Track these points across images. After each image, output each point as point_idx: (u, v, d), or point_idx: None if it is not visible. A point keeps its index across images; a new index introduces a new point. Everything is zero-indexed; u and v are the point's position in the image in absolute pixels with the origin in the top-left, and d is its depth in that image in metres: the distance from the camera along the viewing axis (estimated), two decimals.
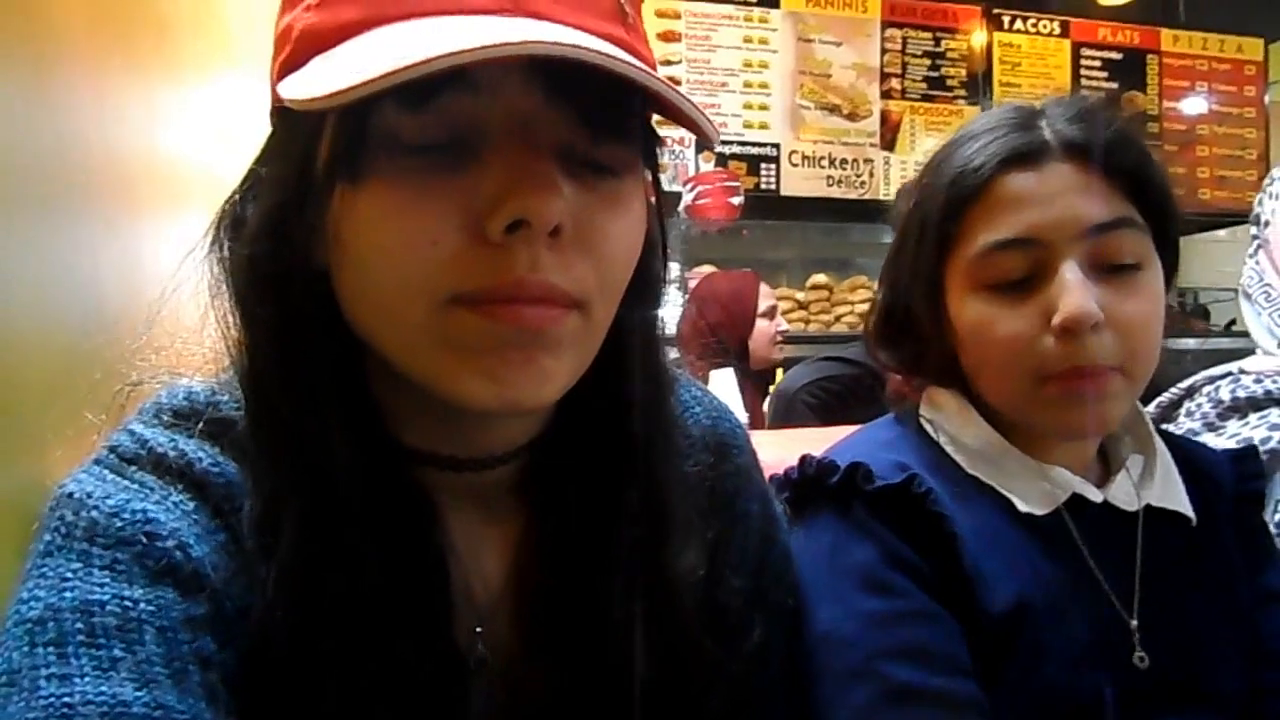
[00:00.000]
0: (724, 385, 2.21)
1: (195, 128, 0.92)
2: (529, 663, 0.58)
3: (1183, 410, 1.12)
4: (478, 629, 0.57)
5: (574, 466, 0.58)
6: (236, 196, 0.54)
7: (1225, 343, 3.46)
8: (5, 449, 0.54)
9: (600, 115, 0.48)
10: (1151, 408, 1.13)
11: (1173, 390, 1.14)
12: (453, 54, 0.41)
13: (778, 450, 1.08)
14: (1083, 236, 0.73)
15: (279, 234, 0.50)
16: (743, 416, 2.19)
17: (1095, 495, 0.78)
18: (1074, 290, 0.71)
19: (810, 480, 0.79)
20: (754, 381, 2.40)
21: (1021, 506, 0.76)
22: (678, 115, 0.49)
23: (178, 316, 0.56)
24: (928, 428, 0.83)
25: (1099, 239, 0.73)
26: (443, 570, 0.54)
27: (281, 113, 0.51)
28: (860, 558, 0.74)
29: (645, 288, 0.57)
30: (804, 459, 0.80)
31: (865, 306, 3.49)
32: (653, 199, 0.56)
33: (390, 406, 0.54)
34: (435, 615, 0.53)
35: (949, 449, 0.81)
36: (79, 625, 0.45)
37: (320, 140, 0.49)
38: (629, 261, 0.53)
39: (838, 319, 3.56)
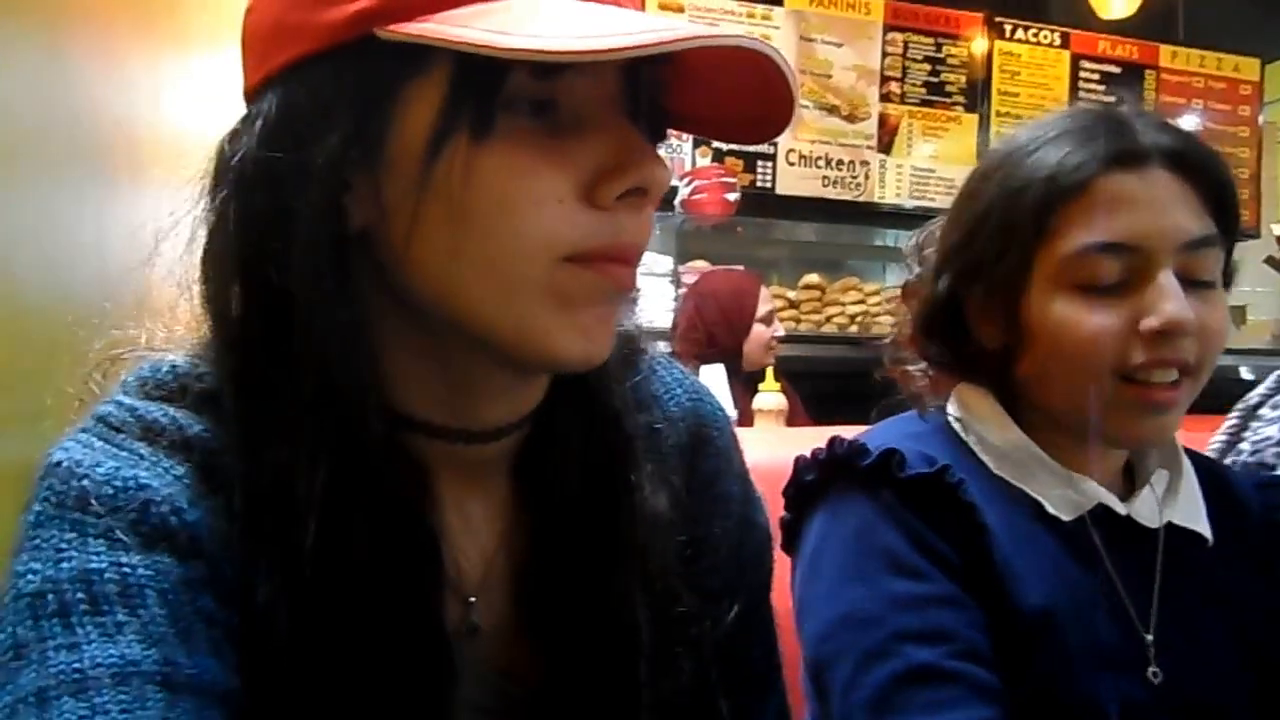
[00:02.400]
0: (714, 381, 2.22)
1: (204, 99, 0.91)
2: (520, 634, 0.58)
3: (1267, 405, 1.09)
4: (471, 599, 0.58)
5: (562, 441, 0.59)
6: (228, 147, 0.51)
7: None
8: (13, 413, 0.54)
9: (650, 97, 0.53)
10: (1234, 414, 1.11)
11: (1260, 391, 1.12)
12: (706, 37, 0.46)
13: (768, 448, 1.09)
14: (1180, 249, 0.73)
15: (336, 198, 0.49)
16: (731, 413, 2.21)
17: (1120, 508, 0.78)
18: (1174, 297, 0.71)
19: (840, 461, 0.79)
20: (743, 381, 2.40)
21: (1049, 508, 0.77)
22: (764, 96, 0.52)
23: (158, 290, 0.56)
24: (956, 426, 0.83)
25: (1191, 253, 0.73)
26: (434, 541, 0.54)
27: (343, 57, 0.48)
28: (888, 540, 0.74)
29: None
30: (834, 440, 0.80)
31: (857, 308, 3.53)
32: None
33: (400, 377, 0.54)
34: (428, 586, 0.54)
35: (977, 449, 0.81)
36: (80, 595, 0.45)
37: (406, 100, 0.48)
38: None
39: (828, 319, 3.57)
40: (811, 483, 0.81)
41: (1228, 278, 0.79)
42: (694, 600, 0.62)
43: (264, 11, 0.52)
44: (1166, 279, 0.72)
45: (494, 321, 0.50)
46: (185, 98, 0.89)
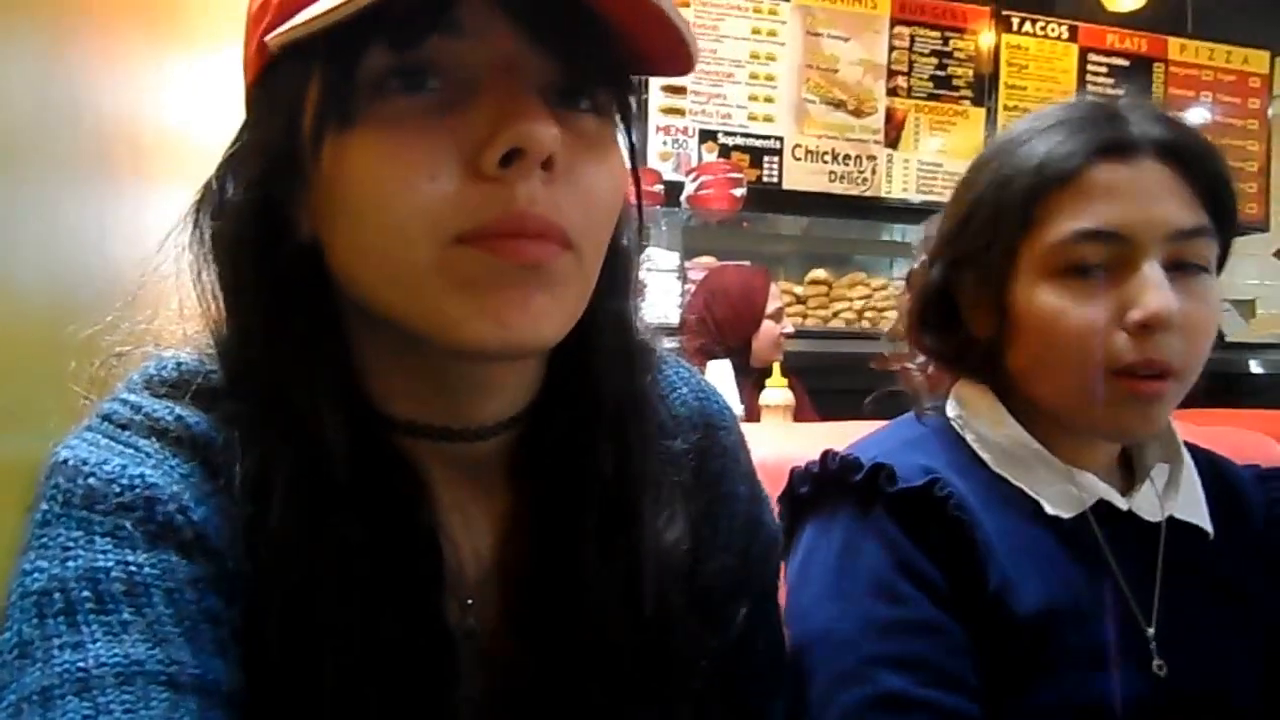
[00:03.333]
0: (721, 376, 2.22)
1: (206, 97, 0.91)
2: (517, 636, 0.58)
3: None
4: (469, 601, 0.57)
5: (558, 439, 0.58)
6: (214, 179, 0.54)
7: (1219, 354, 3.46)
8: (9, 416, 0.54)
9: (583, 54, 0.49)
10: None
11: None
12: None
13: (775, 445, 1.08)
14: (1168, 239, 0.73)
15: (264, 204, 0.50)
16: (738, 409, 2.20)
17: (1121, 503, 0.78)
18: (1158, 289, 0.71)
19: (831, 476, 0.79)
20: (751, 377, 2.40)
21: (1049, 509, 0.76)
22: (657, 34, 0.49)
23: (162, 288, 0.56)
24: (955, 425, 0.83)
25: (1180, 244, 0.73)
26: (433, 542, 0.54)
27: (261, 84, 0.51)
28: (871, 561, 0.74)
29: (617, 251, 0.57)
30: (826, 454, 0.80)
31: (864, 303, 3.52)
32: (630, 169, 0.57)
33: (380, 378, 0.54)
34: (425, 587, 0.54)
35: (976, 447, 0.81)
36: (86, 593, 0.45)
37: (305, 99, 0.49)
38: (612, 205, 0.53)
39: (835, 314, 3.56)
40: (804, 494, 0.81)
41: (1221, 269, 0.79)
42: (694, 616, 0.61)
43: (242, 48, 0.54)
44: (1151, 269, 0.72)
45: (405, 314, 0.50)
46: (188, 96, 0.89)
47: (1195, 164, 0.74)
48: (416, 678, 0.52)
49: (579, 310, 0.53)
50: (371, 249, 0.49)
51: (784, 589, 0.81)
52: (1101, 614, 0.74)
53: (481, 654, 0.57)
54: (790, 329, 2.57)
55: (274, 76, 0.50)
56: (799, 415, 2.30)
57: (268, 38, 0.48)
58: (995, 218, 0.78)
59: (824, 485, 0.79)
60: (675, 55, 0.51)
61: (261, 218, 0.50)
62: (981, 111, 3.93)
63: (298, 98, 0.49)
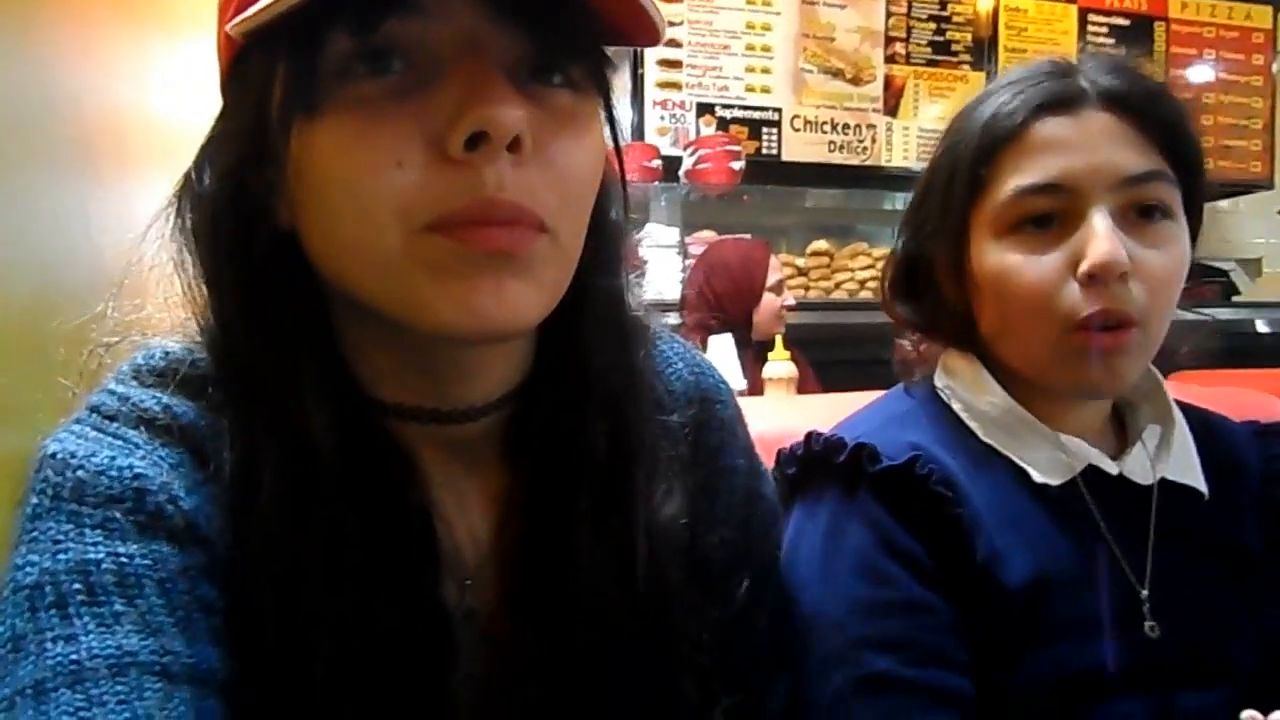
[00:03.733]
0: (722, 351, 2.21)
1: (189, 82, 0.90)
2: (515, 616, 0.58)
3: None
4: (467, 582, 0.57)
5: (550, 417, 0.58)
6: (191, 170, 0.53)
7: (1226, 313, 3.45)
8: (5, 407, 0.53)
9: (549, 29, 0.48)
10: None
11: None
12: None
13: (778, 418, 1.08)
14: (1116, 186, 0.72)
15: (239, 192, 0.50)
16: (740, 384, 2.20)
17: (1111, 467, 0.78)
18: (1104, 238, 0.71)
19: (815, 457, 0.79)
20: (753, 350, 2.39)
21: (1037, 477, 0.76)
22: (618, 4, 0.48)
23: (149, 278, 0.56)
24: (943, 395, 0.83)
25: (1131, 190, 0.73)
26: (427, 524, 0.54)
27: (232, 73, 0.51)
28: (856, 542, 0.74)
29: (604, 225, 0.57)
30: (810, 435, 0.80)
31: (866, 274, 3.50)
32: (612, 137, 0.56)
33: (366, 362, 0.54)
34: (420, 569, 0.54)
35: (964, 416, 0.80)
36: (77, 585, 0.45)
37: (273, 87, 0.48)
38: (589, 182, 0.52)
39: (838, 285, 3.55)
40: (791, 476, 0.81)
41: (1196, 220, 0.79)
42: (694, 589, 0.61)
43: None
44: (1100, 218, 0.72)
45: (380, 300, 0.49)
46: (170, 83, 0.88)
47: (1146, 109, 0.74)
48: (414, 660, 0.52)
49: (559, 291, 0.52)
50: (343, 236, 0.49)
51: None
52: (1093, 580, 0.74)
53: (482, 634, 0.57)
54: (791, 301, 2.56)
55: (243, 65, 0.49)
56: (802, 388, 2.29)
57: (227, 27, 0.48)
58: (949, 182, 0.79)
59: (809, 467, 0.80)
60: (640, 25, 0.50)
61: (236, 206, 0.50)
62: (981, 76, 3.89)
63: (266, 86, 0.48)
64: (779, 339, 2.26)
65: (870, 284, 3.53)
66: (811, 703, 0.70)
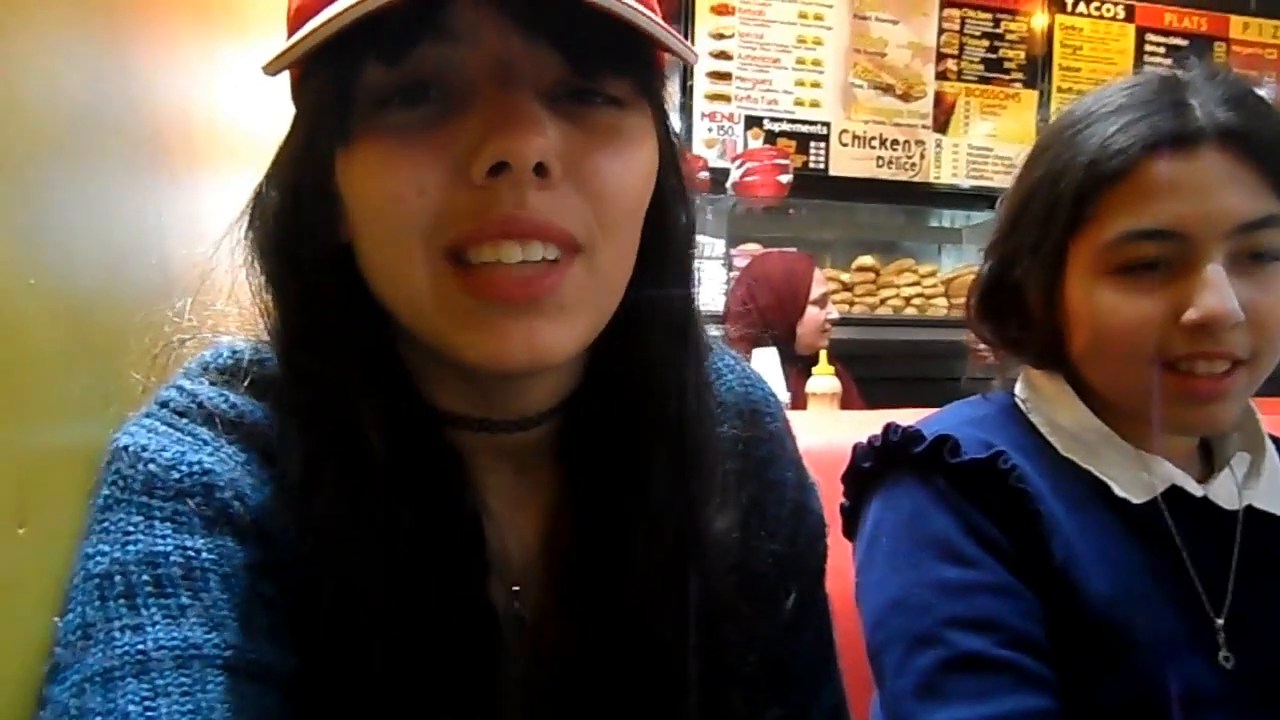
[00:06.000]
0: (766, 364, 2.20)
1: (259, 86, 0.92)
2: (564, 621, 0.58)
3: None
4: (515, 587, 0.58)
5: (606, 427, 0.58)
6: (263, 181, 0.55)
7: None
8: (72, 404, 0.55)
9: (584, 50, 0.48)
10: None
11: None
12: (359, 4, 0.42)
13: (822, 433, 1.07)
14: (1230, 234, 0.69)
15: (299, 210, 0.51)
16: (784, 396, 2.19)
17: (1196, 489, 0.76)
18: (1216, 290, 0.68)
19: (894, 447, 0.78)
20: (797, 364, 2.39)
21: (1118, 491, 0.75)
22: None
23: (219, 278, 0.57)
24: (1023, 407, 0.82)
25: (1245, 237, 0.70)
26: (478, 530, 0.55)
27: (296, 90, 0.52)
28: (940, 527, 0.73)
29: (666, 237, 0.56)
30: (888, 426, 0.80)
31: (912, 290, 3.48)
32: (668, 141, 0.55)
33: (422, 370, 0.55)
34: (471, 574, 0.54)
35: (1044, 430, 0.79)
36: (146, 577, 0.46)
37: (322, 111, 0.49)
38: (637, 198, 0.51)
39: (883, 302, 3.52)
40: (868, 469, 0.81)
41: None
42: (744, 603, 0.61)
43: None
44: (1212, 270, 0.69)
45: (413, 324, 0.50)
46: (242, 86, 0.90)
47: (1263, 149, 0.70)
48: (463, 660, 0.53)
49: (600, 319, 0.52)
50: (378, 263, 0.50)
51: (852, 570, 0.81)
52: (1168, 602, 0.72)
53: (529, 638, 0.57)
54: (835, 315, 2.55)
55: (304, 84, 0.50)
56: (846, 403, 2.28)
57: (261, 67, 0.48)
58: (1047, 215, 0.76)
59: (887, 458, 0.79)
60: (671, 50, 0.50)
61: (297, 220, 0.51)
62: (1034, 94, 3.85)
63: (316, 108, 0.49)
64: (823, 354, 2.25)
65: (915, 300, 3.50)
66: (900, 686, 0.70)
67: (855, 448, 0.82)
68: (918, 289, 3.52)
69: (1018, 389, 0.83)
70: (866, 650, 0.76)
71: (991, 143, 3.80)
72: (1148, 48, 4.01)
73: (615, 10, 0.44)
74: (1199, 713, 0.69)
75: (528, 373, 0.49)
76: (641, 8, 0.46)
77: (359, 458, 0.51)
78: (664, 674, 0.57)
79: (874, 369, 2.58)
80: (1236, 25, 4.12)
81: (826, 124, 3.63)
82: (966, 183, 3.76)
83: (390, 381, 0.53)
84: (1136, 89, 0.75)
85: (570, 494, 0.60)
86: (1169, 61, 3.92)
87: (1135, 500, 0.74)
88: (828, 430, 1.15)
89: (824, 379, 2.20)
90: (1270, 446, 0.80)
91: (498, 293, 0.47)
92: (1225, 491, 0.77)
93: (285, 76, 0.51)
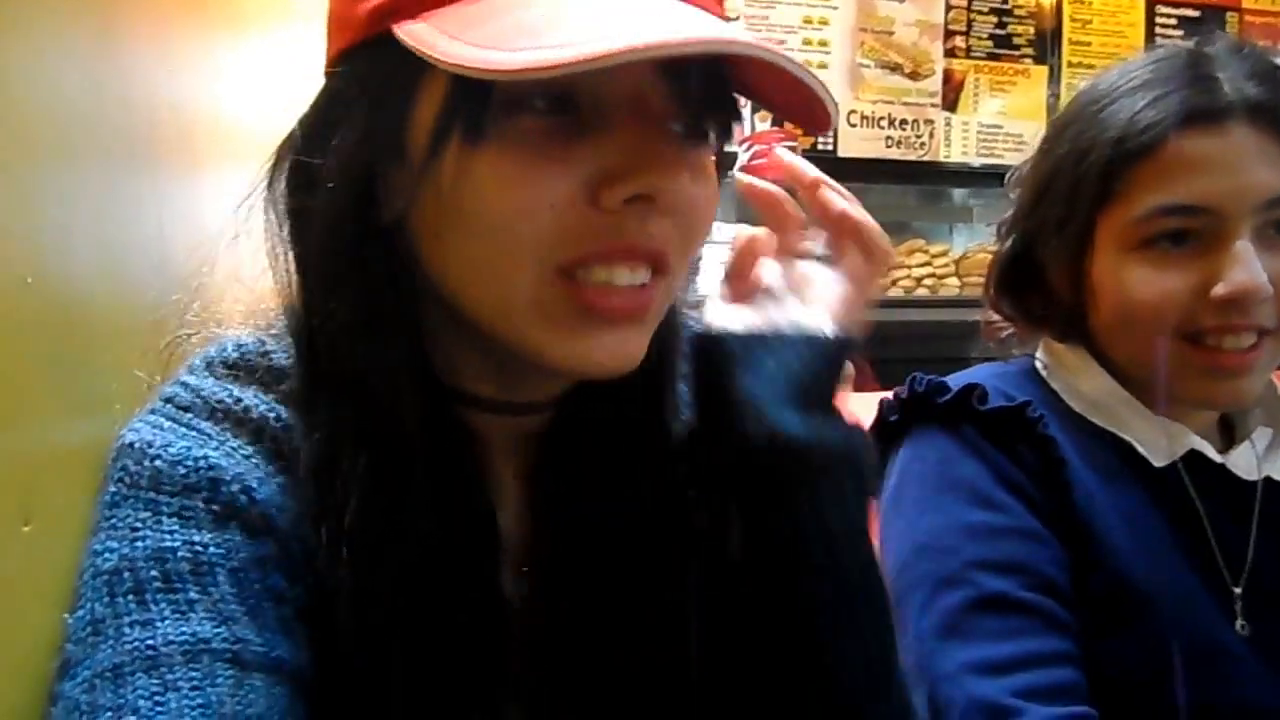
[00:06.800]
0: None
1: (257, 83, 0.92)
2: (559, 607, 0.58)
3: None
4: (524, 569, 0.58)
5: (596, 417, 0.59)
6: (299, 145, 0.53)
7: None
8: (75, 402, 0.55)
9: (708, 93, 0.50)
10: None
11: None
12: (658, 44, 0.42)
13: None
14: (1260, 208, 0.70)
15: (362, 188, 0.50)
16: None
17: (1216, 457, 0.76)
18: (1246, 265, 0.69)
19: (920, 398, 0.79)
20: None
21: (1141, 450, 0.75)
22: (784, 94, 0.51)
23: (223, 271, 0.57)
24: (1043, 373, 0.82)
25: (1274, 210, 0.70)
26: (491, 517, 0.55)
27: (365, 56, 0.50)
28: (969, 473, 0.74)
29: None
30: (914, 377, 0.81)
31: (923, 270, 3.46)
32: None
33: (443, 352, 0.54)
34: (487, 555, 0.55)
35: (1064, 394, 0.80)
36: (154, 572, 0.47)
37: (420, 94, 0.48)
38: (709, 228, 0.54)
39: (894, 283, 3.50)
40: (895, 422, 0.82)
41: None
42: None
43: (330, 1, 0.53)
44: (1241, 245, 0.69)
45: (493, 326, 0.51)
46: (239, 81, 0.90)
47: None
48: (475, 642, 0.53)
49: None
50: (477, 265, 0.50)
51: (878, 519, 0.82)
52: (1186, 565, 0.73)
53: (531, 624, 0.57)
54: None
55: (383, 56, 0.49)
56: (859, 385, 2.27)
57: (405, 25, 0.47)
58: (1072, 191, 0.76)
59: (914, 408, 0.80)
60: (812, 113, 0.53)
61: (355, 197, 0.51)
62: (1044, 70, 3.81)
63: (412, 90, 0.49)
64: None
65: (927, 281, 3.48)
66: (924, 626, 0.70)
67: (881, 401, 0.84)
68: (929, 269, 3.49)
69: (1039, 355, 0.84)
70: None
71: (1001, 120, 3.76)
72: (1159, 20, 3.95)
73: (793, 72, 0.48)
74: (1210, 676, 0.70)
75: (612, 376, 0.51)
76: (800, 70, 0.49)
77: (386, 441, 0.51)
78: (656, 656, 0.57)
79: (885, 350, 2.56)
80: None
81: (834, 105, 3.59)
82: (977, 160, 3.72)
83: (419, 363, 0.53)
84: (1162, 64, 0.75)
85: (560, 479, 0.60)
86: (1181, 33, 3.92)
87: (1157, 463, 0.75)
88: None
89: None
90: None
91: (608, 311, 0.49)
92: (1245, 462, 0.77)
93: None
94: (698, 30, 0.45)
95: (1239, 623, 0.72)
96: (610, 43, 0.41)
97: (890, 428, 0.82)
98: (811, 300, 0.60)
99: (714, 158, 0.55)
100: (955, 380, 0.79)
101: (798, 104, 0.52)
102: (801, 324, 0.57)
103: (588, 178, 0.47)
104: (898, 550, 0.75)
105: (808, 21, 3.58)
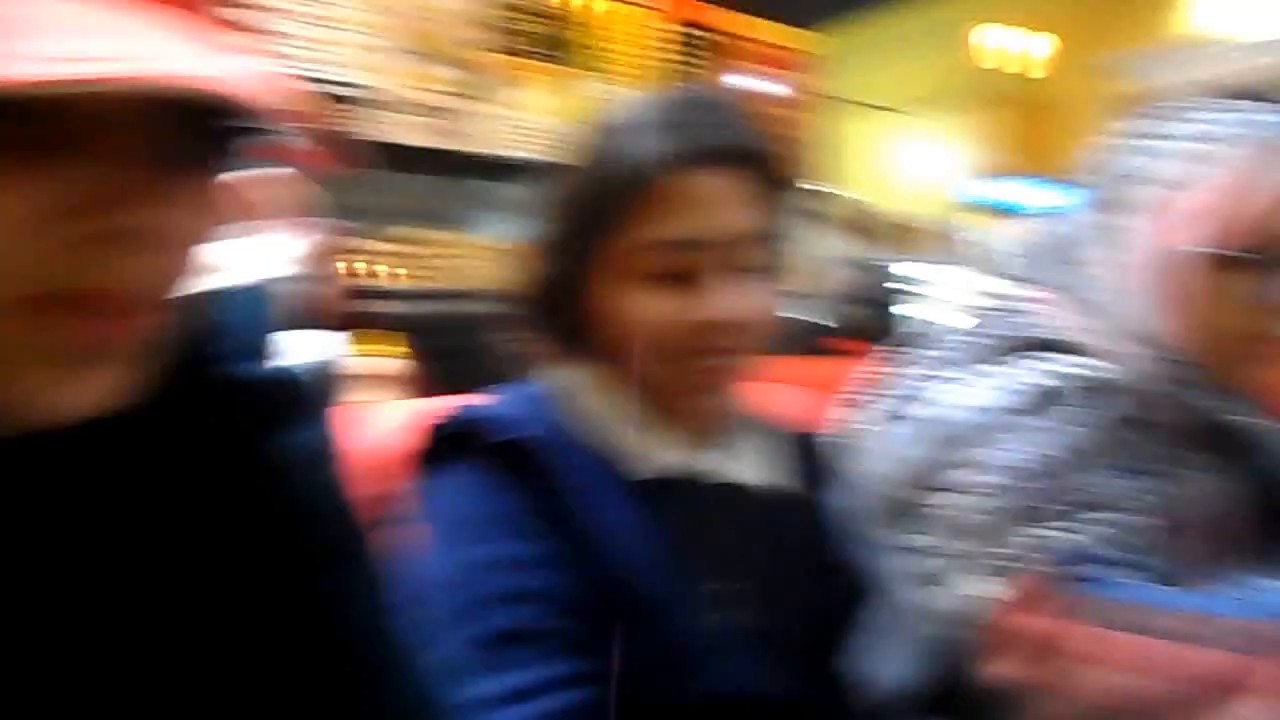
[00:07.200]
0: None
1: None
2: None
3: None
4: None
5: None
6: None
7: None
8: None
9: (193, 113, 0.42)
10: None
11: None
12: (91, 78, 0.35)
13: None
14: (731, 243, 0.80)
15: None
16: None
17: (701, 465, 0.85)
18: (720, 293, 0.79)
19: (438, 432, 0.81)
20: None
21: (631, 467, 0.82)
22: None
23: None
24: (554, 393, 0.86)
25: (741, 247, 0.81)
26: None
27: None
28: (484, 507, 0.77)
29: None
30: (429, 413, 0.83)
31: (460, 262, 3.48)
32: None
33: None
34: None
35: (571, 414, 0.84)
36: None
37: None
38: (208, 257, 0.49)
39: (429, 274, 3.51)
40: (432, 452, 0.83)
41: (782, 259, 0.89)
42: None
43: None
44: (717, 277, 0.79)
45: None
46: None
47: (759, 169, 0.82)
48: None
49: None
50: None
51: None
52: (678, 570, 0.79)
53: None
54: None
55: None
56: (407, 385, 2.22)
57: None
58: (576, 220, 0.83)
59: (429, 444, 0.82)
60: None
61: None
62: (575, 70, 4.03)
63: None
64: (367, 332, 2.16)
65: (462, 272, 3.52)
66: (450, 660, 0.70)
67: (427, 429, 0.85)
68: (461, 260, 3.55)
69: (547, 378, 0.88)
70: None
71: (534, 115, 3.91)
72: (675, 37, 4.36)
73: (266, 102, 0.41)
74: (705, 669, 0.77)
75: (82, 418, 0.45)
76: None
77: None
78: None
79: (427, 342, 2.55)
80: (757, 26, 4.63)
81: (371, 91, 3.49)
82: (511, 153, 3.84)
83: None
84: (664, 108, 0.84)
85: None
86: (695, 51, 4.35)
87: (647, 475, 0.82)
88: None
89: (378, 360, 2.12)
90: (757, 424, 0.92)
91: (74, 348, 0.43)
92: (728, 467, 0.87)
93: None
94: (142, 61, 0.37)
95: (722, 615, 0.79)
96: (47, 67, 0.34)
97: (429, 457, 0.83)
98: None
99: (214, 182, 0.47)
100: (465, 412, 0.82)
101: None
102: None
103: (59, 200, 0.40)
104: (424, 585, 0.74)
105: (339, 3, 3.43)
